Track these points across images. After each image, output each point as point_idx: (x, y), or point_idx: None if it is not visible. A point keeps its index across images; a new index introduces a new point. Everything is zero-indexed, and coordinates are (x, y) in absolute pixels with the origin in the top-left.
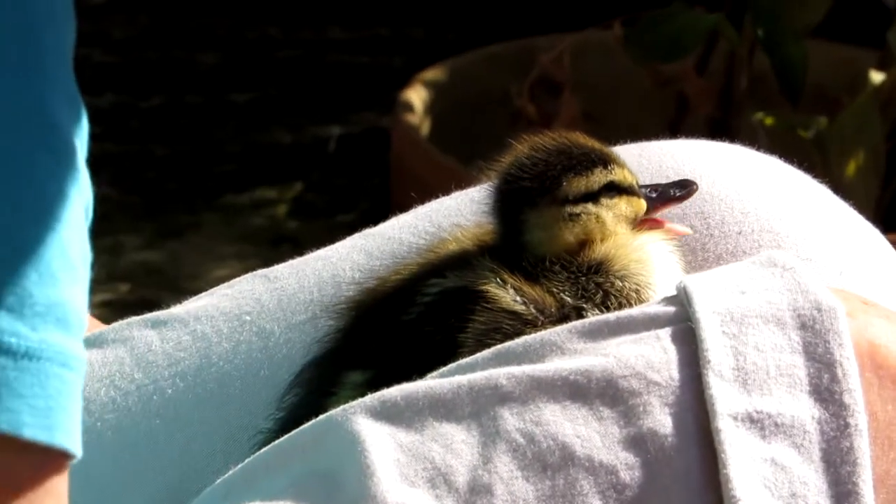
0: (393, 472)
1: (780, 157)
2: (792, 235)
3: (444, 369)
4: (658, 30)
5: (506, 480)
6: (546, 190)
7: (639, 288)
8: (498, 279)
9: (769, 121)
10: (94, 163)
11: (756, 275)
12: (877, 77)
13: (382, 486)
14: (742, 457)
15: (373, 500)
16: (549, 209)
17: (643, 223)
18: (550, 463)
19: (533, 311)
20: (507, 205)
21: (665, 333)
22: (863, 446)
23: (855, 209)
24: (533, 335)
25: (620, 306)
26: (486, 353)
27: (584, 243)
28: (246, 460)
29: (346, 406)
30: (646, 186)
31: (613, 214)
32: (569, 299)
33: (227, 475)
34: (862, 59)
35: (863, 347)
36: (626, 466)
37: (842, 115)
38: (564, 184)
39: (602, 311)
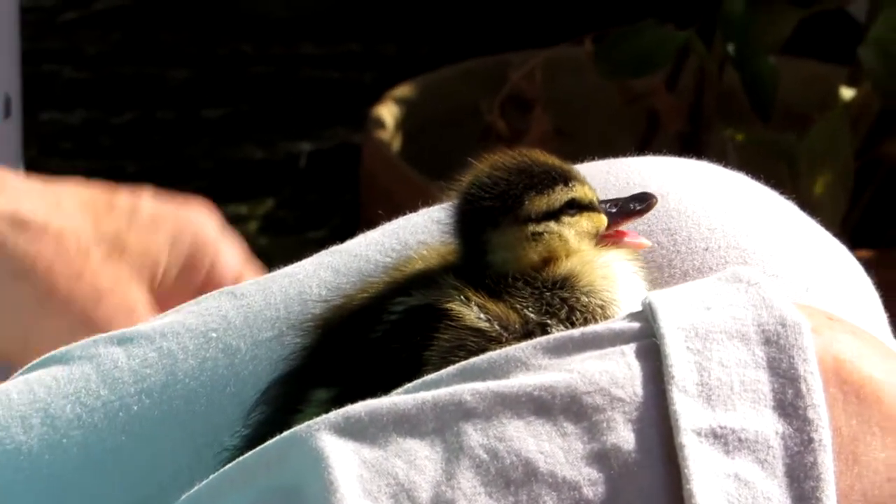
0: (356, 488)
1: (750, 173)
2: (759, 252)
3: (408, 386)
4: (628, 46)
5: (469, 496)
6: (508, 209)
7: (604, 304)
8: (462, 297)
9: (739, 137)
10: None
11: (721, 290)
12: (847, 93)
13: (346, 502)
14: (705, 472)
15: None
16: (511, 229)
17: (605, 238)
18: (514, 479)
19: (497, 327)
20: (469, 225)
21: (630, 349)
22: (827, 461)
23: (823, 225)
24: (497, 351)
25: (585, 322)
26: (450, 369)
27: (549, 260)
28: (210, 476)
29: (311, 422)
30: (606, 202)
31: (575, 232)
32: (533, 315)
33: (191, 491)
34: (832, 76)
35: (827, 363)
36: (590, 482)
37: (812, 131)
38: (526, 203)
39: (567, 327)
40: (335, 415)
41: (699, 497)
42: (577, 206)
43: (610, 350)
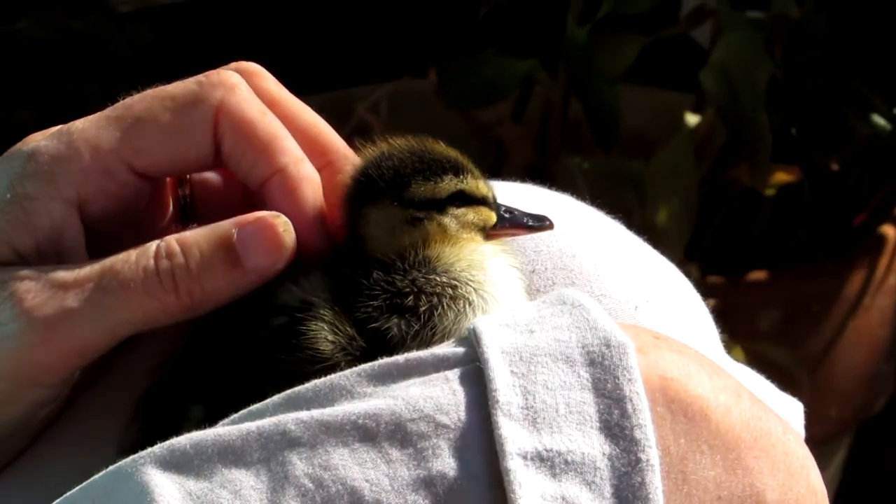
0: None
1: (600, 201)
2: (585, 272)
3: (234, 416)
4: (472, 76)
5: None
6: (391, 188)
7: (457, 283)
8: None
9: (586, 165)
10: None
11: (545, 313)
12: (692, 119)
13: None
14: (532, 496)
15: None
16: (390, 208)
17: (492, 235)
18: None
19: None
20: (353, 199)
21: (454, 375)
22: (655, 481)
23: (668, 251)
24: (322, 379)
25: (431, 308)
26: (276, 398)
27: (423, 243)
28: None
29: (136, 456)
30: (503, 205)
31: (459, 223)
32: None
33: None
34: (678, 103)
35: (654, 382)
36: None
37: (656, 157)
38: (412, 186)
39: (410, 319)
40: (160, 448)
41: None
42: (467, 200)
43: (434, 376)
